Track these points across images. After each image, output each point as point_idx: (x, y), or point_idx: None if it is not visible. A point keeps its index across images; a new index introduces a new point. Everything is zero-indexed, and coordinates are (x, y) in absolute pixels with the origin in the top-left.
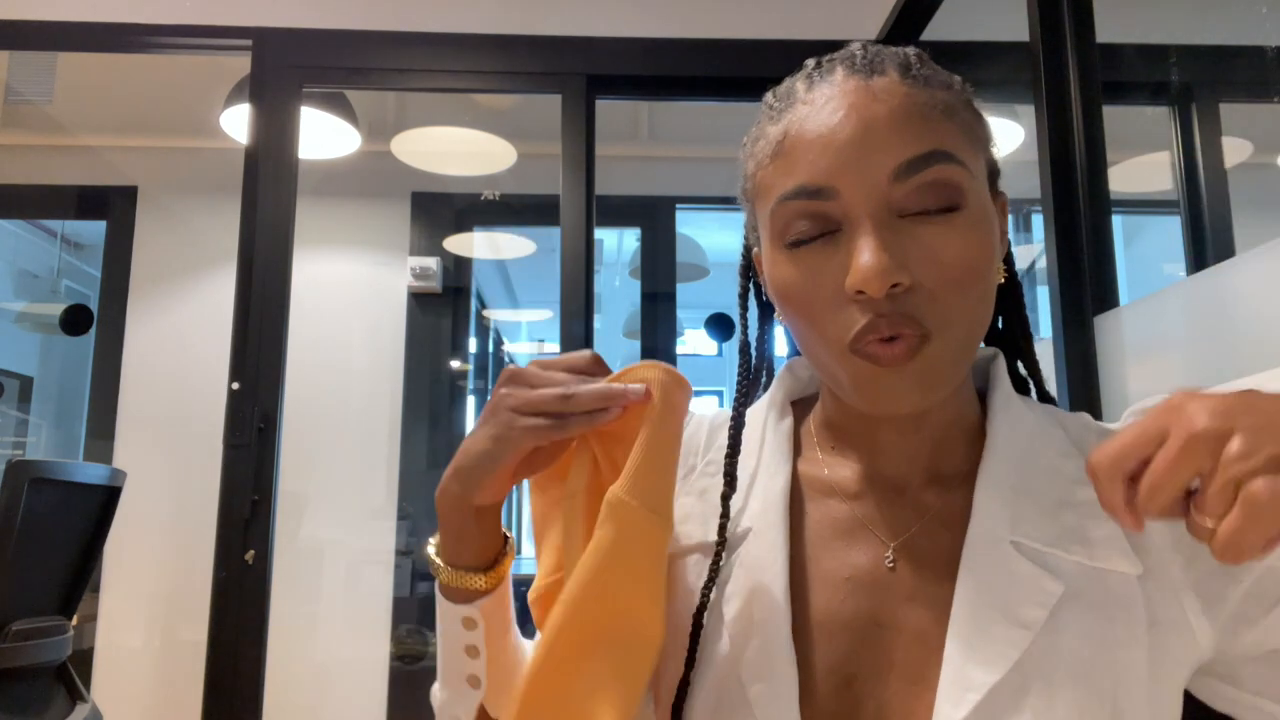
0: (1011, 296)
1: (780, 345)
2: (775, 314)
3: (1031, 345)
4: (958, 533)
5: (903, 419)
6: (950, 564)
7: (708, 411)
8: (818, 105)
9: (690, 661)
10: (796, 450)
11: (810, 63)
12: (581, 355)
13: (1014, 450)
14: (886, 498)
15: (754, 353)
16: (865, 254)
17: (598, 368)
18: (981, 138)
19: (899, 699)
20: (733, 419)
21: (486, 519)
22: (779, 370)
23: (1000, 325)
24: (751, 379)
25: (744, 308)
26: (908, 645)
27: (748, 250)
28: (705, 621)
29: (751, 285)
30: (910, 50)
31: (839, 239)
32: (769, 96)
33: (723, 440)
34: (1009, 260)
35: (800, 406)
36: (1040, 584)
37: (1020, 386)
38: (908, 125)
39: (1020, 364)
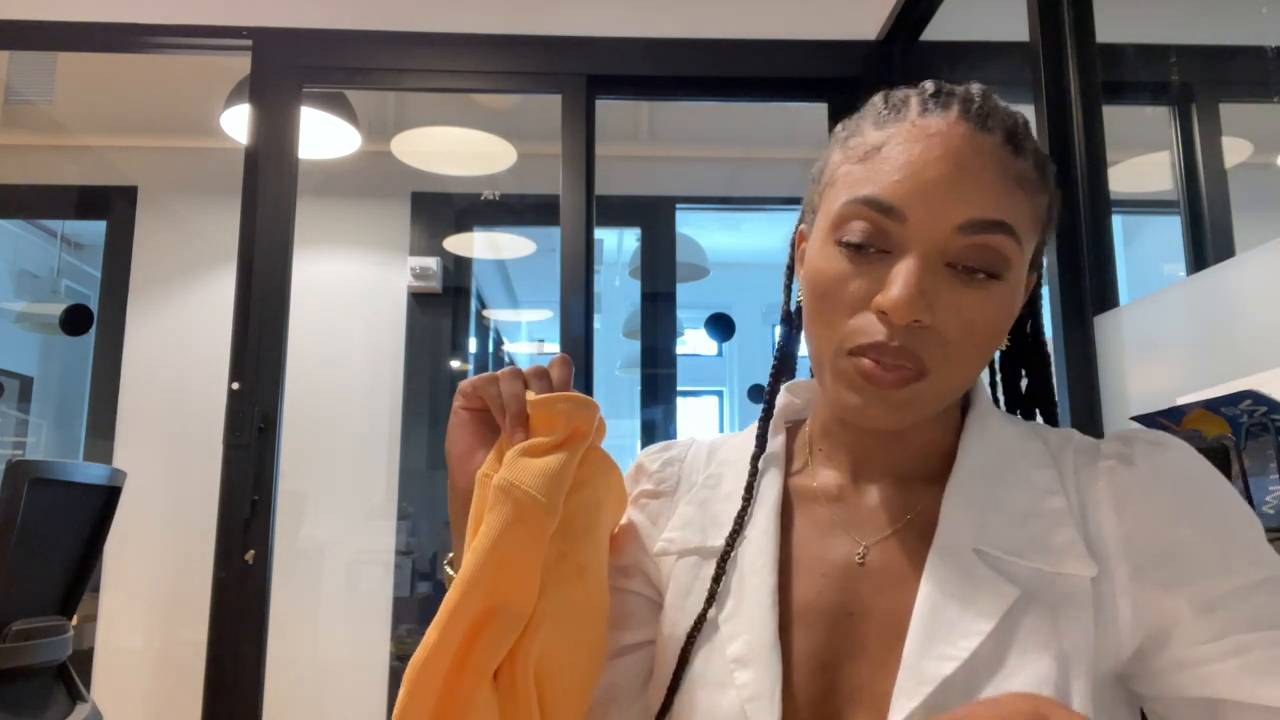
0: (1038, 362)
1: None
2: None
3: (1055, 412)
4: (926, 535)
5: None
6: (918, 564)
7: (705, 438)
8: (924, 130)
9: (686, 652)
10: (789, 464)
11: (930, 86)
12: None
13: (984, 464)
14: (863, 501)
15: (784, 337)
16: (903, 282)
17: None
18: (1046, 222)
19: (869, 682)
20: (766, 400)
21: None
22: (780, 392)
23: (1024, 387)
24: (784, 356)
25: (789, 280)
26: (877, 633)
27: (797, 236)
28: (704, 621)
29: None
30: (1021, 116)
31: (885, 259)
32: (879, 99)
33: (723, 456)
34: (1038, 329)
35: (794, 427)
36: (997, 588)
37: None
38: (992, 188)
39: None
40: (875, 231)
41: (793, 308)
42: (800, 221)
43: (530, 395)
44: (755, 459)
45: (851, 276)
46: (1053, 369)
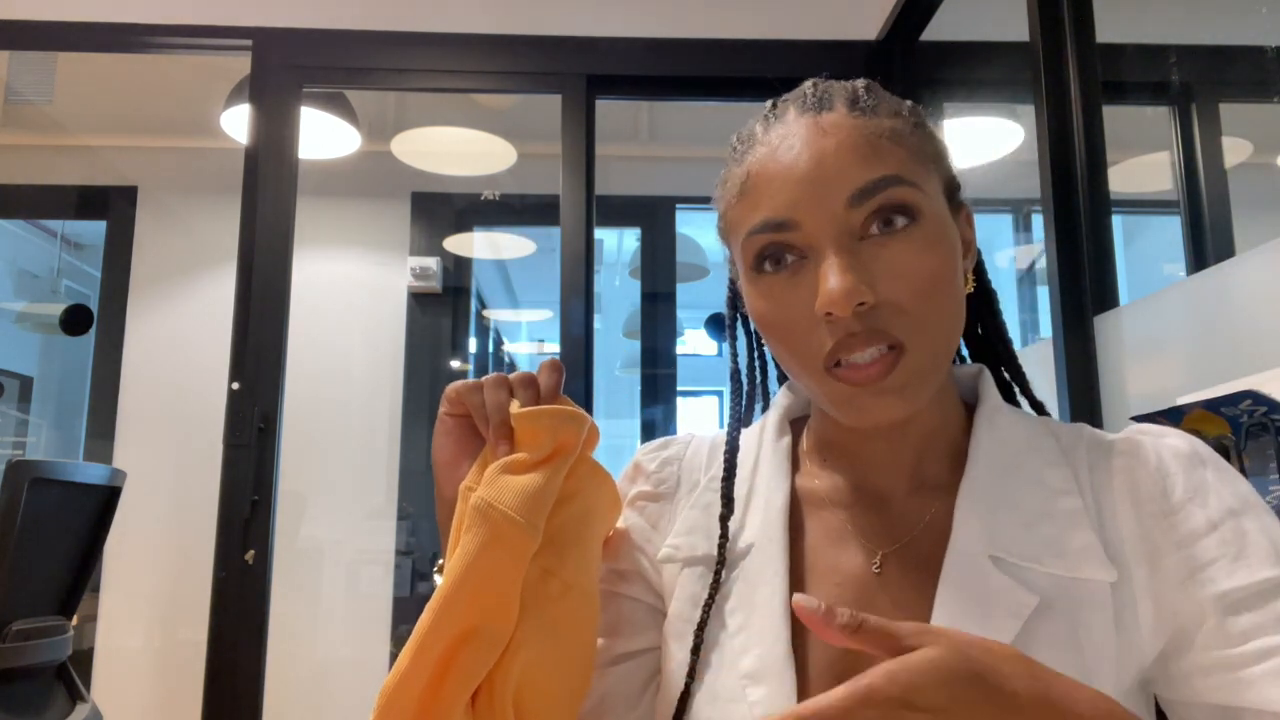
0: (986, 306)
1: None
2: (762, 341)
3: (1012, 352)
4: (940, 542)
5: (887, 429)
6: (933, 571)
7: (709, 433)
8: (773, 145)
9: (693, 668)
10: (795, 466)
11: (768, 104)
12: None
13: (995, 464)
14: (874, 507)
15: (744, 379)
16: (830, 277)
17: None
18: (933, 156)
19: None
20: (727, 444)
21: None
22: (778, 391)
23: (980, 335)
24: (746, 404)
25: (733, 337)
26: None
27: (733, 283)
28: (708, 631)
29: (739, 316)
30: (859, 83)
31: (806, 266)
32: (733, 139)
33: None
34: (981, 270)
35: (798, 424)
36: (1015, 597)
37: (1007, 395)
38: (856, 155)
39: (1005, 372)
40: (782, 250)
41: (741, 362)
42: (732, 280)
43: (514, 407)
44: (726, 488)
45: (786, 299)
46: (1001, 309)
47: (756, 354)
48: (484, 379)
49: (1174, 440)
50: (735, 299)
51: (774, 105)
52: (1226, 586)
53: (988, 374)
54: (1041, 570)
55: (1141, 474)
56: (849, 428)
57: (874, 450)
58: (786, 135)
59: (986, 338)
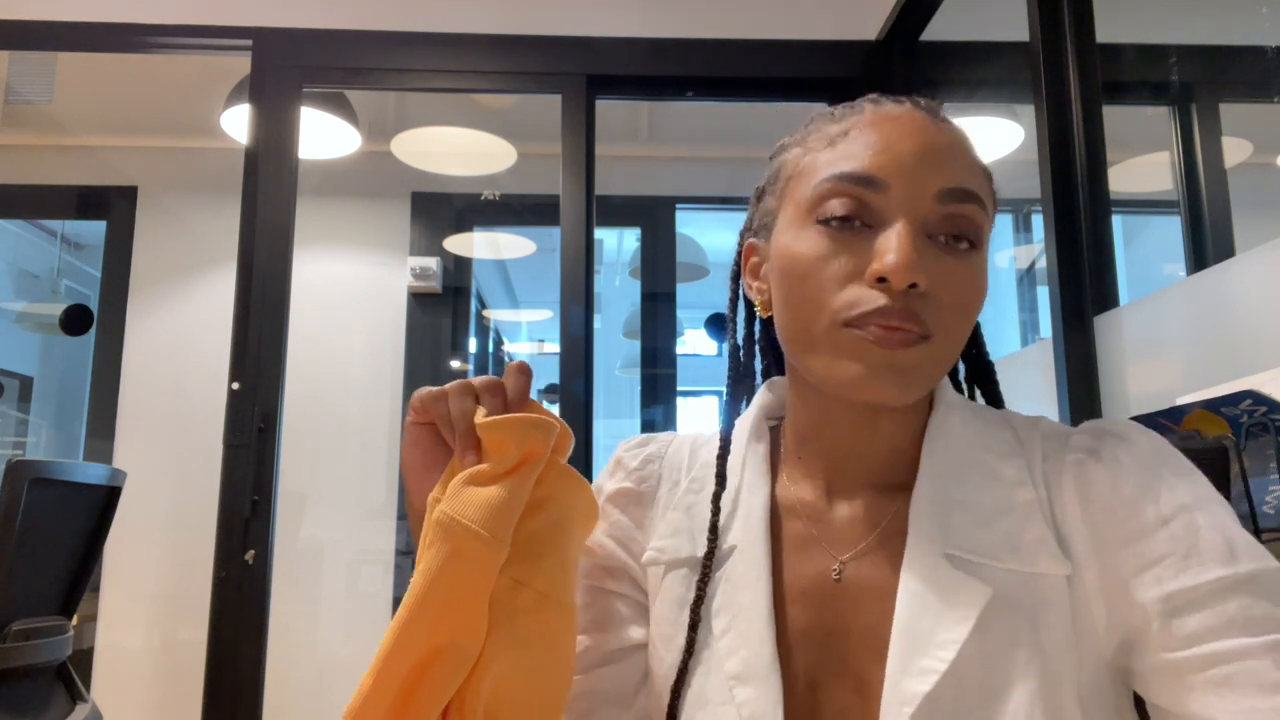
0: (973, 337)
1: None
2: (759, 315)
3: (996, 384)
4: (899, 547)
5: (861, 422)
6: (892, 577)
7: (689, 433)
8: (886, 115)
9: (683, 671)
10: (774, 471)
11: (874, 95)
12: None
13: (949, 462)
14: (837, 515)
15: (742, 356)
16: (899, 246)
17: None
18: (993, 217)
19: (854, 702)
20: (723, 421)
21: None
22: (759, 388)
23: (964, 367)
24: (743, 381)
25: (733, 313)
26: (858, 651)
27: (739, 257)
28: (697, 632)
29: (741, 293)
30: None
31: (868, 234)
32: (830, 109)
33: (705, 458)
34: (978, 340)
35: (777, 428)
36: (970, 591)
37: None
38: (961, 161)
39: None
40: (857, 206)
41: (740, 334)
42: (749, 237)
43: (479, 416)
44: (720, 465)
45: (835, 253)
46: (987, 348)
47: (759, 337)
48: (449, 386)
49: (1131, 435)
50: (740, 274)
51: (883, 94)
52: (1174, 587)
53: (944, 379)
54: (998, 567)
55: (1094, 469)
56: (820, 420)
57: (842, 451)
58: (902, 115)
59: (971, 369)
